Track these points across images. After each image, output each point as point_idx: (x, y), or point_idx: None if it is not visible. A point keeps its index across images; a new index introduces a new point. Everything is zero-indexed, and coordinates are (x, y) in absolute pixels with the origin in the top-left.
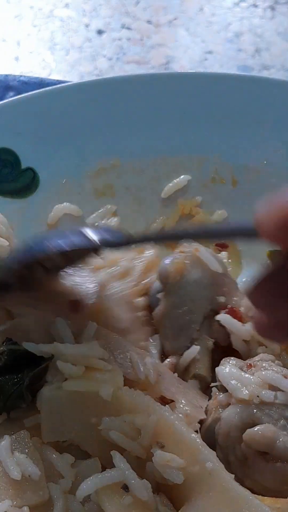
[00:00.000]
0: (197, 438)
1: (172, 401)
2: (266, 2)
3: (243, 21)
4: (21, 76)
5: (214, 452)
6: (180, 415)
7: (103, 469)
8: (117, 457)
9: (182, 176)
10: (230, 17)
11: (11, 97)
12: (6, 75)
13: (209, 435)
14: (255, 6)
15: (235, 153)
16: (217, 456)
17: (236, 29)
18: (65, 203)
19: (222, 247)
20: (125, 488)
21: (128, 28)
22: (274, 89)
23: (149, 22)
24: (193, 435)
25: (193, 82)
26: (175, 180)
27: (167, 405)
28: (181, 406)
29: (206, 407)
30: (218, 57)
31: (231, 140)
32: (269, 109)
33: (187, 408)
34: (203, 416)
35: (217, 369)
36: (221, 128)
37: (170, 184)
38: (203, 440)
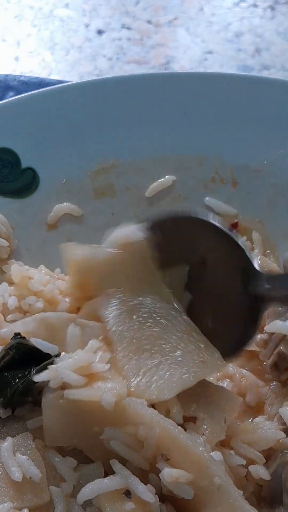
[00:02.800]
0: (204, 452)
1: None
2: (266, 2)
3: (243, 21)
4: (21, 76)
5: (222, 467)
6: (197, 436)
7: (106, 474)
8: (116, 466)
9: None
10: (230, 17)
11: (11, 97)
12: (6, 75)
13: (276, 479)
14: (255, 6)
15: (235, 153)
16: (284, 501)
17: (236, 29)
18: (65, 203)
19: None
20: (128, 494)
21: (128, 28)
22: (274, 89)
23: (149, 22)
24: (200, 448)
25: (193, 82)
26: (159, 180)
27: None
28: (203, 425)
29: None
30: (218, 57)
31: (231, 140)
32: (269, 109)
33: (205, 427)
34: (222, 438)
35: (281, 410)
36: (221, 128)
37: (155, 184)
38: (268, 483)
